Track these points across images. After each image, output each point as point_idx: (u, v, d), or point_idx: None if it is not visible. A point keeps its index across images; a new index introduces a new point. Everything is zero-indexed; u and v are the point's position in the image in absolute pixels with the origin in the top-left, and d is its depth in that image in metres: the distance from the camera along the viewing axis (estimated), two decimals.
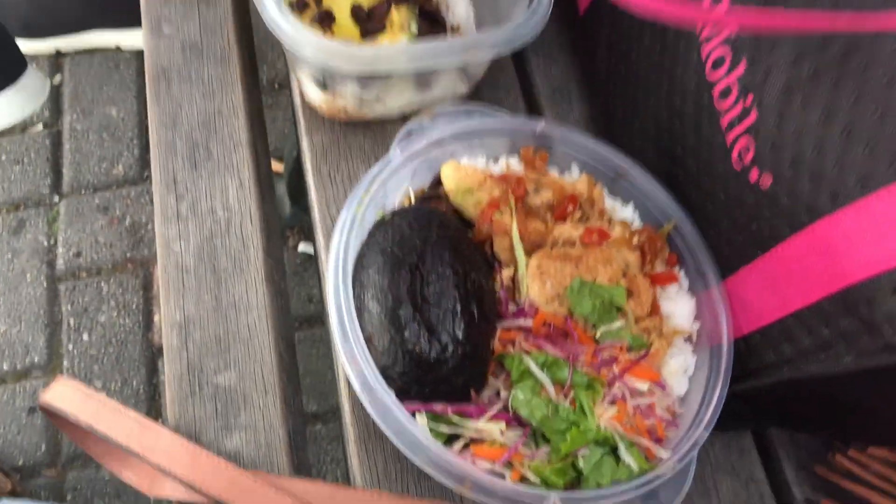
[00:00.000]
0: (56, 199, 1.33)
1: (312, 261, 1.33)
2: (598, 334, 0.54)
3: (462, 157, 0.60)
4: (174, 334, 0.60)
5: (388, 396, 0.48)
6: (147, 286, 1.26)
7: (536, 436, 0.50)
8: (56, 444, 1.18)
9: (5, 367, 1.22)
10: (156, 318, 1.24)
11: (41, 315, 1.25)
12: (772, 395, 0.55)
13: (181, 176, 0.65)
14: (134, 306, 1.25)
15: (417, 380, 0.50)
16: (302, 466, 0.58)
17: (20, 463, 1.18)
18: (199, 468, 0.54)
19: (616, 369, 0.53)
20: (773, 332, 0.53)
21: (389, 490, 0.55)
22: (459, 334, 0.50)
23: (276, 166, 1.31)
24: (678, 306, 0.58)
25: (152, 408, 1.20)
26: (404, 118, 0.67)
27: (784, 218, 0.50)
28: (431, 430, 0.50)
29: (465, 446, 0.51)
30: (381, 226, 0.54)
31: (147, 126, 1.38)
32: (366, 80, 0.61)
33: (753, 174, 0.52)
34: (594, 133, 0.67)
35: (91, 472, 1.18)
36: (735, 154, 0.53)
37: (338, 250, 0.52)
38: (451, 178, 0.57)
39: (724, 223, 0.56)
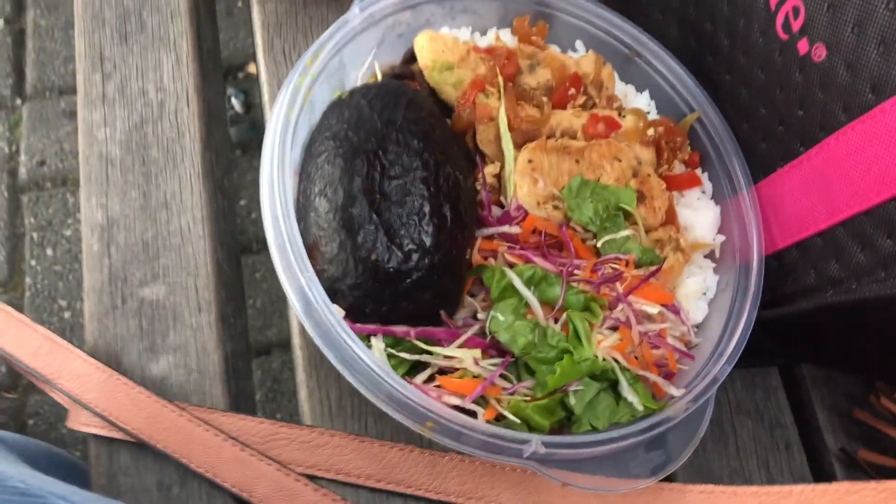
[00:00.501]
0: (18, 102, 1.22)
1: None
2: (599, 244, 0.44)
3: (441, 26, 0.49)
4: (94, 237, 0.50)
5: (331, 316, 0.39)
6: None
7: (519, 366, 0.41)
8: None
9: None
10: None
11: (1, 228, 1.16)
12: (808, 324, 0.46)
13: (109, 51, 0.54)
14: None
15: (373, 295, 0.40)
16: (243, 398, 0.49)
17: None
18: (116, 398, 0.45)
19: (620, 288, 0.43)
20: (817, 247, 0.43)
21: (344, 428, 0.46)
22: (427, 241, 0.40)
23: (255, 69, 1.20)
24: (699, 215, 0.47)
25: None
26: None
27: (840, 99, 0.39)
28: (390, 357, 0.40)
29: (431, 378, 0.41)
30: (335, 106, 0.44)
31: None
32: None
33: (803, 45, 0.41)
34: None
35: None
36: (780, 20, 0.42)
37: (275, 132, 0.41)
38: (427, 51, 0.46)
39: (762, 112, 0.45)
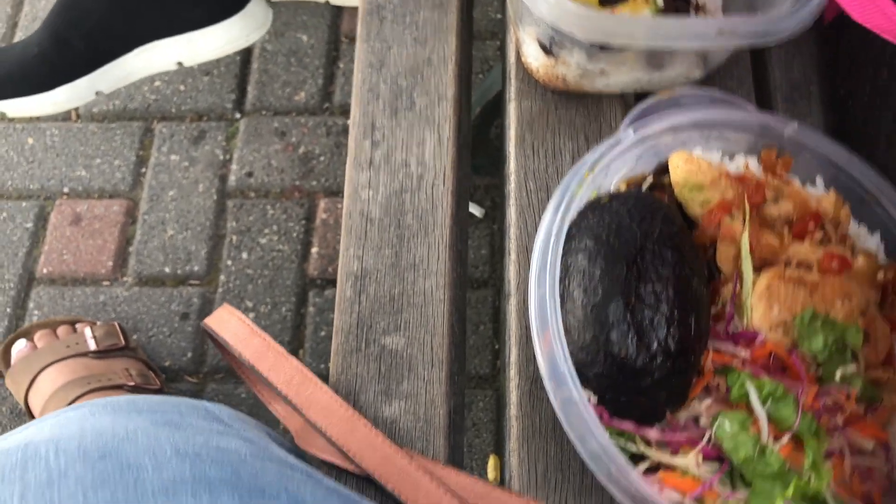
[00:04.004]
0: (237, 115, 1.35)
1: (476, 224, 1.30)
2: (821, 374, 0.47)
3: (695, 147, 0.53)
4: (349, 284, 0.58)
5: (580, 396, 0.43)
6: (310, 217, 1.27)
7: (734, 476, 0.45)
8: (202, 353, 1.22)
9: (167, 269, 1.26)
10: (313, 250, 1.25)
11: (207, 226, 1.28)
12: None
13: (380, 122, 0.62)
14: (294, 235, 1.26)
15: (615, 387, 0.45)
16: (458, 451, 0.54)
17: (166, 364, 1.22)
18: (355, 437, 0.52)
19: (839, 420, 0.46)
20: None
21: (546, 500, 0.51)
22: (672, 345, 0.45)
23: None
24: None
25: (295, 337, 1.21)
26: (623, 96, 0.61)
27: None
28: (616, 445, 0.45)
29: (649, 470, 0.45)
30: (595, 208, 0.49)
31: (334, 58, 1.38)
32: (595, 50, 0.55)
33: None
34: None
35: (230, 387, 1.21)
36: None
37: (549, 229, 0.47)
38: (681, 170, 0.51)
39: None
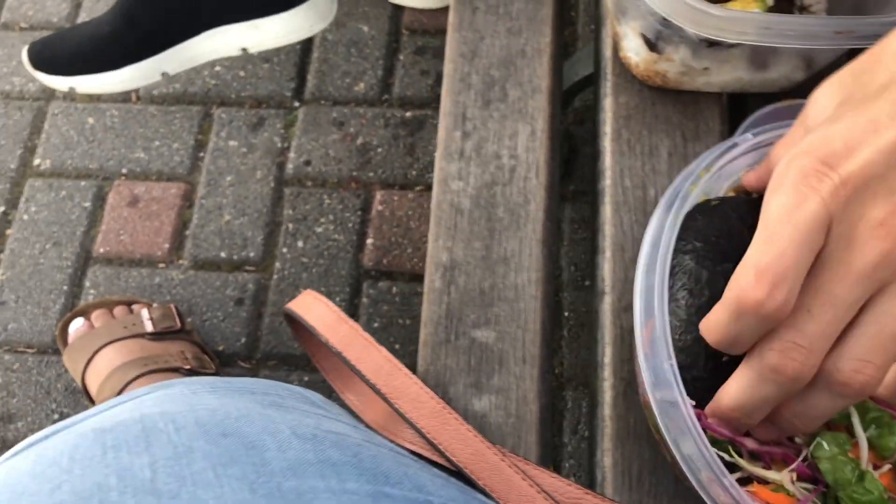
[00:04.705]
0: (296, 104, 1.35)
1: None
2: None
3: None
4: (438, 275, 0.57)
5: (683, 397, 0.42)
6: (366, 208, 1.26)
7: (828, 498, 0.43)
8: (256, 339, 1.22)
9: (223, 254, 1.27)
10: (369, 241, 1.25)
11: (263, 213, 1.28)
12: None
13: (471, 112, 0.61)
14: (350, 225, 1.26)
15: (714, 390, 0.44)
16: (550, 450, 0.54)
17: (220, 348, 1.22)
18: (446, 430, 0.51)
19: None
20: None
21: None
22: None
23: None
24: None
25: None
26: (721, 95, 0.60)
27: None
28: None
29: (740, 481, 0.44)
30: (704, 210, 0.48)
31: (394, 50, 1.37)
32: (702, 47, 0.54)
33: None
34: None
35: (282, 374, 1.22)
36: None
37: (660, 224, 0.46)
38: None
39: None
